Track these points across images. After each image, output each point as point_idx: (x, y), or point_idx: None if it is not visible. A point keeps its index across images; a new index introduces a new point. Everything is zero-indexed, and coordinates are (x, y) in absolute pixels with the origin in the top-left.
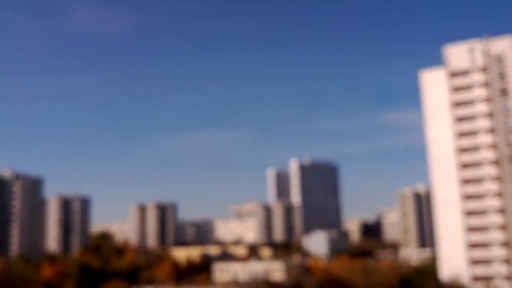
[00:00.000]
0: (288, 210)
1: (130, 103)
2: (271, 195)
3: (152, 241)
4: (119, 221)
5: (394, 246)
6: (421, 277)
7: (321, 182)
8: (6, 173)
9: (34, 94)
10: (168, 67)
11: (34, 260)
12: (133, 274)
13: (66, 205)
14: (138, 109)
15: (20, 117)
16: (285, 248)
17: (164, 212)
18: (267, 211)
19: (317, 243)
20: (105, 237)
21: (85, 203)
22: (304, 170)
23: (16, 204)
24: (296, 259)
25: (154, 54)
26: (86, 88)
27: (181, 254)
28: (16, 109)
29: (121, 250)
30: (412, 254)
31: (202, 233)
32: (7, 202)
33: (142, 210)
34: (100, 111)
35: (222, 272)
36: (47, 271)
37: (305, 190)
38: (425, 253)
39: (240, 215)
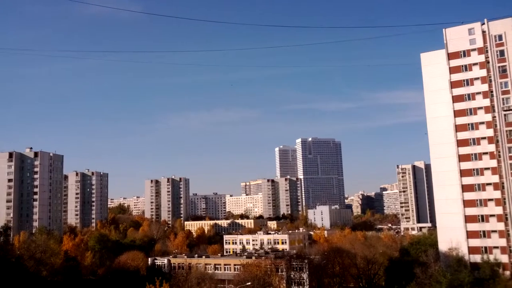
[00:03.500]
0: (293, 185)
1: (144, 84)
2: (277, 172)
3: (165, 214)
4: (134, 195)
5: (394, 220)
6: (420, 248)
7: (324, 158)
8: (28, 151)
9: (53, 75)
10: (179, 49)
11: (55, 233)
12: (148, 245)
13: (84, 180)
14: (152, 89)
15: (40, 98)
16: (290, 221)
17: (176, 187)
18: (273, 187)
19: (320, 216)
20: (121, 210)
21: (102, 178)
22: (308, 148)
23: (38, 180)
24: (301, 231)
25: (164, 38)
26: (102, 69)
27: (193, 226)
28: (37, 91)
29: (136, 223)
30: (411, 227)
31: (213, 207)
32: (29, 179)
33: (156, 185)
34: (116, 92)
35: (232, 243)
36: (67, 243)
37: (309, 166)
38: (424, 227)
39: (248, 190)
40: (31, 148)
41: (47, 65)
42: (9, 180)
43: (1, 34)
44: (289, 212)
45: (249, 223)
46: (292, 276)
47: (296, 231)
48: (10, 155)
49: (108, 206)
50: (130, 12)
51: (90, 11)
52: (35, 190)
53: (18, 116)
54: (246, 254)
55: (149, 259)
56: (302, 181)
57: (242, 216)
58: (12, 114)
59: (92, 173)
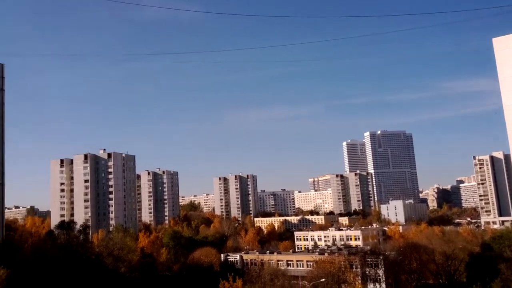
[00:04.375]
0: (364, 180)
1: (209, 82)
2: (346, 166)
3: (235, 211)
4: (204, 193)
5: (473, 213)
6: (504, 243)
7: (395, 152)
8: (102, 153)
9: (121, 79)
10: (239, 46)
11: (130, 231)
12: (220, 241)
13: (156, 179)
14: (217, 87)
15: (111, 101)
16: (362, 217)
17: (244, 184)
18: (343, 182)
19: (394, 211)
20: (192, 208)
21: (173, 177)
22: (378, 141)
23: (112, 180)
24: (374, 226)
25: (221, 36)
26: (166, 71)
27: (263, 222)
28: (107, 94)
29: (207, 219)
30: (492, 221)
31: (281, 203)
32: (104, 179)
33: (225, 182)
34: (181, 92)
35: (303, 239)
36: (143, 240)
37: (380, 160)
38: (507, 220)
39: (317, 186)
40: (104, 149)
41: (114, 69)
42: (86, 181)
43: (66, 40)
44: (361, 207)
45: (319, 219)
46: (367, 272)
47: (369, 227)
48: (85, 156)
49: (180, 203)
50: (189, 13)
51: (149, 15)
52: (110, 189)
53: (91, 119)
54: (318, 250)
55: (222, 255)
56: (373, 175)
57: (312, 212)
58: (86, 117)
59: (163, 172)
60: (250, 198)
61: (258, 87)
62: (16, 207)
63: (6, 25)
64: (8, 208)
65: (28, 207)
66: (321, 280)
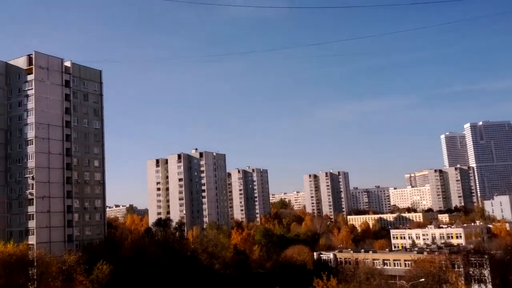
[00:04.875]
0: (465, 175)
1: (297, 78)
2: (445, 161)
3: (326, 208)
4: (294, 190)
5: None
6: None
7: (499, 144)
8: (194, 152)
9: (203, 79)
10: (323, 40)
11: (223, 228)
12: (312, 239)
13: (246, 177)
14: (304, 83)
15: (202, 101)
16: (464, 214)
17: (335, 181)
18: (442, 177)
19: (499, 207)
20: (283, 205)
21: (262, 175)
22: (480, 133)
23: (204, 179)
24: (477, 224)
25: (307, 31)
26: (251, 69)
27: (356, 220)
28: (199, 95)
29: (299, 217)
30: None
31: (376, 200)
32: (197, 178)
33: (315, 180)
34: (270, 89)
35: (400, 238)
36: (235, 237)
37: (482, 153)
38: None
39: (414, 182)
40: (196, 149)
41: (201, 70)
42: (180, 180)
43: (157, 43)
44: (462, 204)
45: (417, 217)
46: (470, 272)
47: (472, 224)
48: (179, 156)
49: (270, 201)
50: (274, 10)
51: (233, 14)
52: (203, 187)
53: (182, 119)
54: (416, 249)
55: (315, 253)
56: (475, 169)
57: (409, 210)
58: (176, 118)
59: (253, 170)
60: (342, 195)
61: (347, 80)
62: (117, 205)
63: (102, 34)
64: (109, 207)
65: (128, 205)
66: (421, 280)
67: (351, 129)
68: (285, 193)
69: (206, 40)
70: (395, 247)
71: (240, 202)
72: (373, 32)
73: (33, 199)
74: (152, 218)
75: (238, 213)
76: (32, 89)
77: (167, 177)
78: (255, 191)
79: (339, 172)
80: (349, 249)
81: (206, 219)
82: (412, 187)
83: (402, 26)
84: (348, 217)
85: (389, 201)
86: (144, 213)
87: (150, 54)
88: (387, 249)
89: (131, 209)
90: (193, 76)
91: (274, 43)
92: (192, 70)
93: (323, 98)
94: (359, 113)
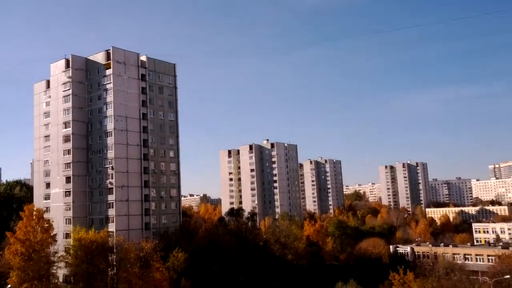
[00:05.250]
0: None
1: (372, 66)
2: None
3: (403, 201)
4: (369, 182)
5: None
6: None
7: None
8: (265, 143)
9: (274, 70)
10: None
11: (296, 219)
12: (388, 232)
13: (318, 168)
14: (382, 71)
15: (273, 92)
16: None
17: (413, 172)
18: None
19: None
20: (357, 197)
21: (336, 166)
22: None
23: (276, 169)
24: None
25: (384, 18)
26: (325, 58)
27: (435, 213)
28: (269, 86)
29: (374, 209)
30: None
31: (456, 193)
32: (268, 168)
33: (391, 171)
34: (342, 77)
35: (483, 232)
36: (308, 229)
37: None
38: None
39: (498, 174)
40: (267, 139)
41: (273, 61)
42: (251, 170)
43: (230, 35)
44: None
45: (502, 210)
46: None
47: None
48: (250, 147)
49: (344, 192)
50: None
51: (307, 2)
52: (275, 178)
53: (256, 110)
54: (501, 244)
55: (391, 246)
56: None
57: (493, 202)
58: (249, 108)
59: (325, 161)
60: (420, 187)
61: (426, 68)
62: (191, 195)
63: (177, 27)
64: (184, 196)
65: (201, 195)
66: (505, 276)
67: (430, 119)
68: (359, 185)
69: (282, 30)
70: (477, 241)
71: (313, 193)
72: (452, 16)
73: (112, 188)
74: (225, 208)
75: (311, 205)
76: (110, 83)
77: (239, 167)
78: (328, 182)
79: (417, 163)
80: (428, 243)
81: (278, 210)
82: (497, 178)
83: (477, 10)
84: (427, 209)
85: (471, 193)
86: (217, 202)
87: (223, 46)
88: (468, 244)
89: (204, 199)
90: (263, 67)
91: (349, 30)
92: (262, 61)
93: (399, 86)
94: (438, 102)
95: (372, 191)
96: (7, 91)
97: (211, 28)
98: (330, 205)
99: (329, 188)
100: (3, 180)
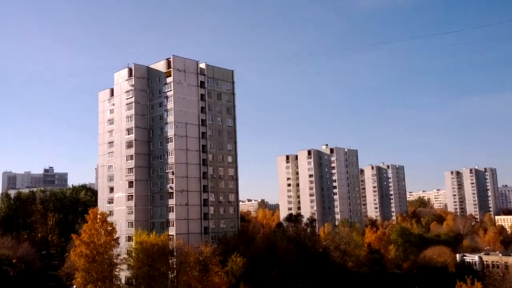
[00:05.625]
0: None
1: (435, 69)
2: None
3: (470, 208)
4: (434, 188)
5: None
6: None
7: None
8: (324, 148)
9: (332, 74)
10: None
11: (356, 226)
12: (454, 241)
13: (380, 174)
14: (447, 73)
15: (331, 97)
16: None
17: (481, 178)
18: None
19: None
20: (421, 204)
21: (398, 171)
22: None
23: (335, 175)
24: None
25: (450, 18)
26: (384, 61)
27: (505, 221)
28: (327, 90)
29: (439, 217)
30: None
31: None
32: (327, 174)
33: (458, 177)
34: (406, 81)
35: None
36: (369, 236)
37: None
38: None
39: None
40: (326, 144)
41: (333, 65)
42: (310, 176)
43: (287, 40)
44: None
45: None
46: None
47: None
48: (309, 152)
49: (407, 199)
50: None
51: (367, 4)
52: (334, 184)
53: (313, 115)
54: None
55: (457, 255)
56: None
57: None
58: (307, 113)
59: (388, 166)
60: (489, 193)
61: (501, 68)
62: (249, 200)
63: (234, 34)
64: (242, 201)
65: (259, 200)
66: None
67: (499, 122)
68: (423, 191)
69: (338, 34)
70: None
71: (374, 200)
72: None
73: (173, 192)
74: (283, 213)
75: (372, 211)
76: (171, 90)
77: (297, 173)
78: (390, 189)
79: (485, 169)
80: (497, 252)
81: (337, 216)
82: None
83: None
84: (496, 217)
85: None
86: (275, 208)
87: (282, 51)
88: None
89: (262, 204)
90: (320, 72)
91: (412, 31)
92: (319, 66)
93: (465, 88)
94: (509, 105)
95: (437, 198)
96: (73, 100)
97: (268, 34)
98: (393, 211)
99: (391, 194)
100: (70, 185)
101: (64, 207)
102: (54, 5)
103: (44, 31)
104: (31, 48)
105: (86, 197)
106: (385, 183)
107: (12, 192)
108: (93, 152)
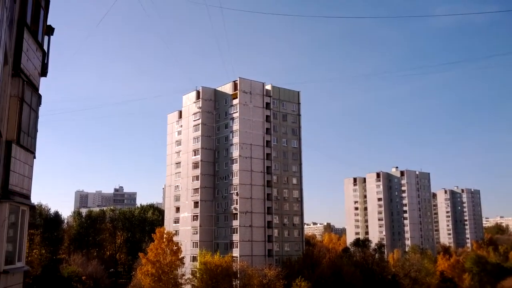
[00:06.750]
0: None
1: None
2: None
3: None
4: None
5: None
6: None
7: None
8: (394, 171)
9: (403, 95)
10: None
11: (428, 252)
12: None
13: (454, 198)
14: None
15: (402, 118)
16: None
17: None
18: None
19: None
20: (499, 230)
21: (473, 196)
22: None
23: (406, 199)
24: None
25: None
26: (454, 81)
27: None
28: (398, 112)
29: None
30: None
31: None
32: (397, 198)
33: None
34: (481, 102)
35: None
36: (442, 263)
37: None
38: None
39: None
40: (397, 167)
41: (399, 86)
42: (379, 199)
43: (352, 63)
44: None
45: None
46: None
47: None
48: (378, 175)
49: (483, 225)
50: (483, 15)
51: (435, 23)
52: (404, 208)
53: (383, 136)
54: None
55: None
56: None
57: None
58: (375, 134)
59: (462, 190)
60: None
61: None
62: (314, 223)
63: (301, 55)
64: (307, 224)
65: (325, 224)
66: None
67: None
68: (501, 217)
69: (407, 54)
70: None
71: (447, 226)
72: None
73: (237, 213)
74: (349, 238)
75: (445, 237)
76: (236, 112)
77: (365, 196)
78: (464, 214)
79: None
80: None
81: (408, 242)
82: None
83: None
84: None
85: None
86: (341, 232)
87: (349, 72)
88: None
89: (328, 228)
90: (388, 93)
91: (483, 51)
92: (387, 88)
93: None
94: None
95: None
96: (144, 122)
97: (335, 55)
98: (467, 238)
99: (466, 220)
100: (138, 204)
101: (132, 226)
102: (123, 28)
103: (118, 55)
104: (103, 72)
105: (154, 216)
106: (459, 208)
107: (84, 211)
108: (162, 172)
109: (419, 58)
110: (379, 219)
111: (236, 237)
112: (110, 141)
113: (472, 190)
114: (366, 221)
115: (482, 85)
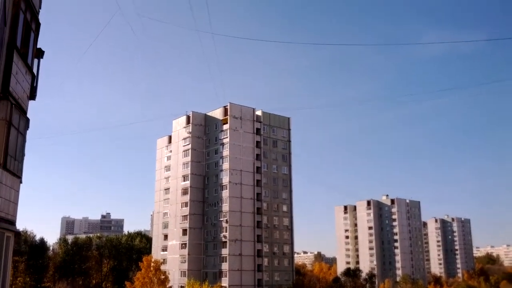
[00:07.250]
0: None
1: (502, 116)
2: None
3: None
4: (503, 244)
5: None
6: None
7: None
8: (384, 199)
9: (390, 123)
10: None
11: (419, 282)
12: None
13: (444, 227)
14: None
15: (391, 146)
16: None
17: None
18: None
19: None
20: (490, 260)
21: (464, 225)
22: None
23: (397, 227)
24: None
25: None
26: (446, 109)
27: None
28: (385, 139)
29: (509, 275)
30: None
31: None
32: (388, 226)
33: None
34: (464, 130)
35: None
36: None
37: None
38: None
39: None
40: (387, 195)
41: (389, 113)
42: (369, 228)
43: (342, 89)
44: None
45: None
46: None
47: None
48: (368, 203)
49: (474, 255)
50: (469, 45)
51: (423, 53)
52: (395, 237)
53: (373, 164)
54: None
55: None
56: None
57: None
58: (366, 162)
59: (452, 219)
60: None
61: None
62: (304, 252)
63: (290, 80)
64: (297, 253)
65: (316, 252)
66: None
67: None
68: (492, 246)
69: (397, 81)
70: None
71: (438, 255)
72: None
73: (226, 241)
74: (340, 267)
75: (436, 267)
76: (227, 137)
77: (355, 224)
78: (455, 243)
79: None
80: None
81: (398, 272)
82: None
83: None
84: None
85: None
86: (332, 261)
87: (339, 98)
88: None
89: (319, 257)
90: (379, 120)
91: (471, 79)
92: (377, 115)
93: None
94: None
95: (507, 254)
96: (132, 148)
97: (324, 81)
98: (458, 268)
99: (456, 250)
100: (125, 231)
101: (119, 253)
102: (112, 51)
103: (106, 78)
104: (91, 96)
105: (141, 244)
106: (449, 237)
107: (70, 238)
108: (150, 198)
109: (410, 85)
110: (370, 248)
111: (225, 266)
112: (98, 167)
113: (463, 219)
114: (357, 250)
115: (472, 112)
